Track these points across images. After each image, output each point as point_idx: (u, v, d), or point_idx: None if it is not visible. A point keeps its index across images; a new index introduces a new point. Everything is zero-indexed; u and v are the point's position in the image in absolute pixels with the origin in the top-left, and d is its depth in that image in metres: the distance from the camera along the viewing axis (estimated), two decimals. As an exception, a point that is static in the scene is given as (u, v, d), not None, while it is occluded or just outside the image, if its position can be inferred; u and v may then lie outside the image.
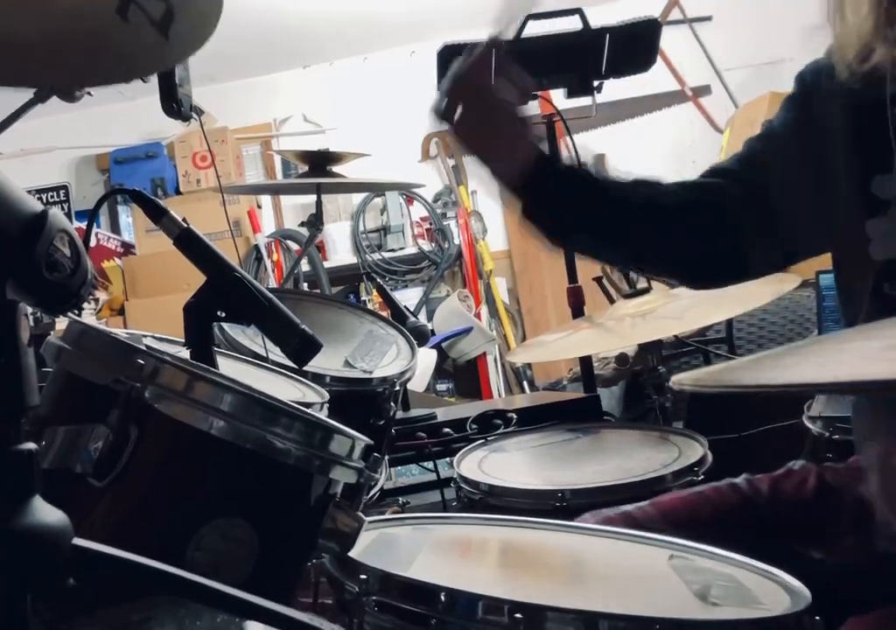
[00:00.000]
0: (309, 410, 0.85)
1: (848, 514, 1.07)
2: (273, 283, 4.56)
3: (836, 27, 1.02)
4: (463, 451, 1.61)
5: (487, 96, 1.07)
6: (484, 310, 4.66)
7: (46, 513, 0.49)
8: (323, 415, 1.07)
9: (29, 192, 0.51)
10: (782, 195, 1.08)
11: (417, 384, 3.52)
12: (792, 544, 1.03)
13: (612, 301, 2.34)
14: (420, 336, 1.78)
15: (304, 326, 1.09)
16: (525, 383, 4.54)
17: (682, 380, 0.60)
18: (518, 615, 0.68)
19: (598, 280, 2.37)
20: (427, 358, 3.82)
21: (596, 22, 2.08)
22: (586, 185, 1.11)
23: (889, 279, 0.99)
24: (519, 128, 1.09)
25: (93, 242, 4.62)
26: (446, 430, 1.86)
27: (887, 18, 0.96)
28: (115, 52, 0.43)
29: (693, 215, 1.12)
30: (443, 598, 0.72)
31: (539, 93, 2.11)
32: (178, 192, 4.72)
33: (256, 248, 4.63)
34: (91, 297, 4.24)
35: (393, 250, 4.81)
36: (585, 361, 2.17)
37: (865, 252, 1.01)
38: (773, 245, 1.11)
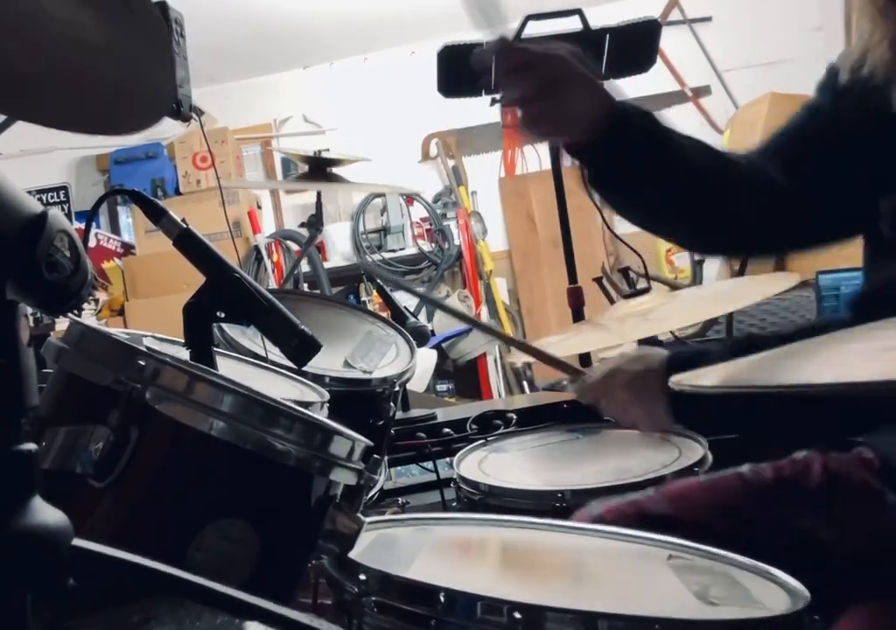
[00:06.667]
0: (309, 411, 0.85)
1: (855, 499, 1.07)
2: (273, 284, 4.56)
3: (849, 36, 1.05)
4: (463, 451, 1.61)
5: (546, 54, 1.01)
6: (484, 310, 4.66)
7: (46, 513, 0.49)
8: (323, 414, 1.07)
9: (29, 192, 0.51)
10: (824, 173, 1.11)
11: (417, 385, 3.51)
12: (799, 528, 1.03)
13: (612, 301, 2.34)
14: (420, 336, 1.78)
15: (303, 327, 1.09)
16: (525, 383, 4.54)
17: (682, 380, 0.60)
18: (517, 615, 0.68)
19: (598, 280, 2.37)
20: (427, 358, 3.82)
21: (596, 22, 2.09)
22: (655, 145, 1.07)
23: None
24: (587, 80, 1.04)
25: (93, 243, 4.62)
26: (446, 430, 1.86)
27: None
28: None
29: (749, 188, 1.13)
30: (442, 598, 0.72)
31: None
32: (177, 192, 4.73)
33: (256, 248, 4.64)
34: (91, 297, 4.24)
35: (393, 251, 4.81)
36: (585, 361, 2.17)
37: (877, 229, 1.03)
38: (816, 222, 1.14)
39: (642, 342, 1.89)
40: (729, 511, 1.08)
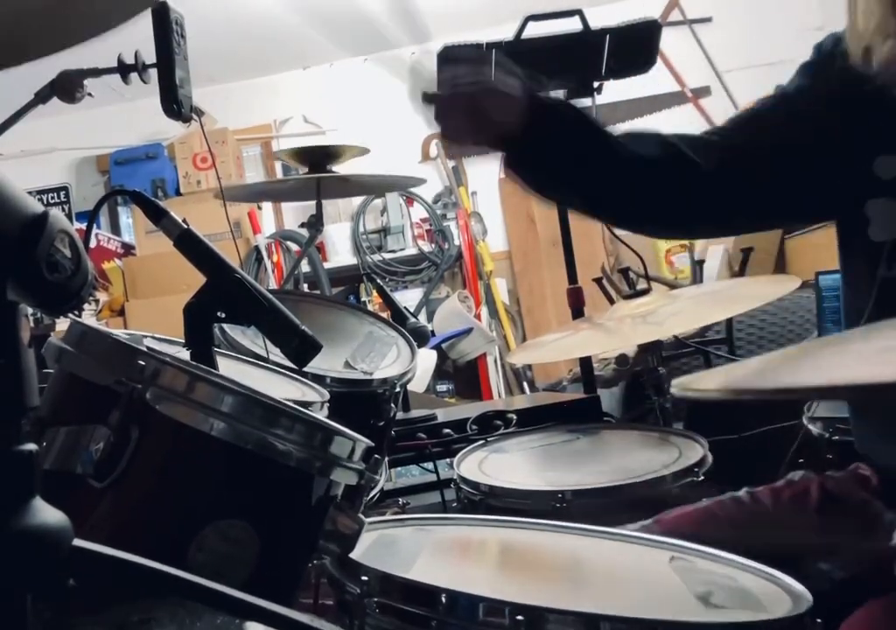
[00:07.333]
0: (309, 411, 0.85)
1: (853, 523, 1.06)
2: (273, 284, 4.56)
3: (848, 21, 1.02)
4: (463, 451, 1.61)
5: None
6: (484, 311, 4.66)
7: (47, 513, 0.49)
8: (323, 414, 1.07)
9: (29, 193, 0.51)
10: (777, 156, 1.09)
11: (417, 385, 3.51)
12: (799, 557, 1.02)
13: (612, 302, 2.34)
14: (420, 337, 1.78)
15: (304, 327, 1.09)
16: (525, 384, 4.54)
17: (683, 384, 0.60)
18: (519, 617, 0.68)
19: (598, 281, 2.37)
20: (427, 359, 3.82)
21: (596, 23, 2.08)
22: (574, 121, 1.17)
23: (889, 261, 0.99)
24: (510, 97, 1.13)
25: (93, 243, 4.62)
26: (446, 430, 1.86)
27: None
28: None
29: (675, 167, 1.14)
30: (444, 599, 0.72)
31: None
32: (178, 193, 4.72)
33: (257, 249, 4.64)
34: (91, 298, 4.24)
35: (393, 251, 4.81)
36: (585, 362, 2.16)
37: (865, 234, 1.02)
38: (753, 204, 1.14)
39: (642, 347, 1.89)
40: (727, 540, 1.07)
